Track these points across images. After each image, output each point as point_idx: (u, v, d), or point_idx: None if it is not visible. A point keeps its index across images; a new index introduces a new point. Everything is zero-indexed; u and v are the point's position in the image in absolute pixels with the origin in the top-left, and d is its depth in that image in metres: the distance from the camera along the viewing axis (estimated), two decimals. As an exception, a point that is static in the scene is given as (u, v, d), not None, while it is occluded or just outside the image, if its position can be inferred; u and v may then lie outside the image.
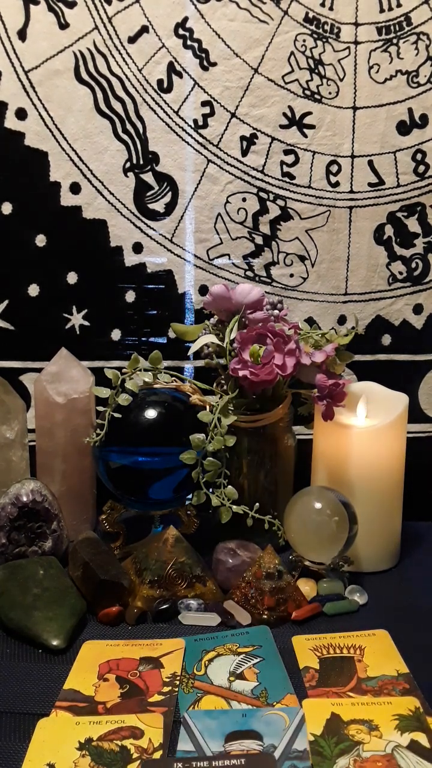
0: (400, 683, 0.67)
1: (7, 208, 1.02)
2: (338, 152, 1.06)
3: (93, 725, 0.61)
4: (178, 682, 0.67)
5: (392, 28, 1.03)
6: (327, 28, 1.02)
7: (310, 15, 1.02)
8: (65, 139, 1.02)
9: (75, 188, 1.03)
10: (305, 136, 1.05)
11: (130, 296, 1.06)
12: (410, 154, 1.07)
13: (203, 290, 1.07)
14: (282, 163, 1.05)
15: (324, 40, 1.03)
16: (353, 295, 1.09)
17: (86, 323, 1.06)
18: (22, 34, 0.99)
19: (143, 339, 1.07)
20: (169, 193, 1.05)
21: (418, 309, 1.10)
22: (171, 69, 1.02)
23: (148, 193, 1.05)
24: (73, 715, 0.63)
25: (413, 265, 1.09)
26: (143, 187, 1.04)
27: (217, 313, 0.94)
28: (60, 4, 0.99)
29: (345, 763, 0.56)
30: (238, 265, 1.07)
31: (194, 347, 0.93)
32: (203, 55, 1.02)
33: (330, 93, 1.04)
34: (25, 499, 0.86)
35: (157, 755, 0.57)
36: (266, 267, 1.08)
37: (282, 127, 1.04)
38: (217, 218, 1.06)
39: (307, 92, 1.04)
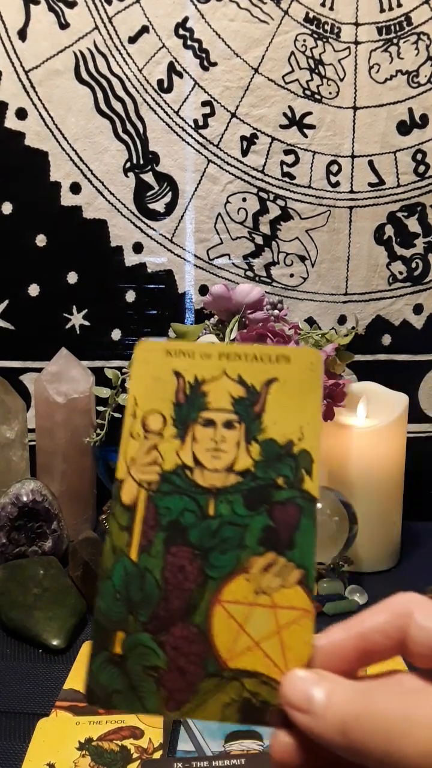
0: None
1: (7, 208, 1.02)
2: (338, 152, 1.06)
3: (93, 725, 0.61)
4: (178, 682, 0.67)
5: (392, 28, 1.03)
6: (327, 28, 1.02)
7: (311, 15, 1.02)
8: (65, 139, 1.02)
9: (75, 188, 1.03)
10: (305, 136, 1.05)
11: (130, 296, 1.06)
12: (410, 154, 1.07)
13: (203, 290, 1.07)
14: (282, 163, 1.05)
15: (324, 40, 1.03)
16: (353, 295, 1.09)
17: (86, 323, 1.06)
18: (22, 34, 0.99)
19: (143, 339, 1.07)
20: (170, 193, 1.05)
21: (418, 309, 1.10)
22: (171, 69, 1.02)
23: (149, 193, 1.05)
24: (73, 715, 0.63)
25: (413, 265, 1.09)
26: (143, 187, 1.04)
27: (217, 313, 0.94)
28: (60, 4, 0.99)
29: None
30: (238, 265, 1.07)
31: (194, 347, 0.93)
32: (203, 55, 1.02)
33: (330, 93, 1.04)
34: (25, 498, 0.86)
35: (157, 755, 0.57)
36: (266, 267, 1.08)
37: (282, 127, 1.04)
38: (217, 218, 1.06)
39: (308, 92, 1.04)
